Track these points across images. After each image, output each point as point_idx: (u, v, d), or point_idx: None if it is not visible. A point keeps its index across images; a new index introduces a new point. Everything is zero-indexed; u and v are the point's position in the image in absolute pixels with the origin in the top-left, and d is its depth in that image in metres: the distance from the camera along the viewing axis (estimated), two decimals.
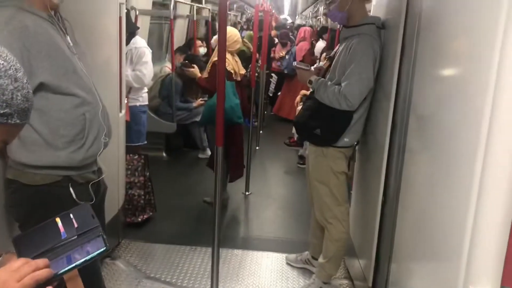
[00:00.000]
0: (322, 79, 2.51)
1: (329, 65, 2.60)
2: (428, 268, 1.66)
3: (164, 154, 5.49)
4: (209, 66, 3.87)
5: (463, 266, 1.30)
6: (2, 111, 0.86)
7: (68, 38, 1.77)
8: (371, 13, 2.77)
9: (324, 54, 5.95)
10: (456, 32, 1.53)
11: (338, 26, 6.64)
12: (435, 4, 1.77)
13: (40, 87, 1.63)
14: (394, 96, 2.21)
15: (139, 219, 3.59)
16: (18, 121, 0.90)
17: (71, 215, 1.05)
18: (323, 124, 2.48)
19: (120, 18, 2.84)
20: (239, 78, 3.97)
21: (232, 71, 3.82)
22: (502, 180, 1.22)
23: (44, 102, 1.66)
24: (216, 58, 3.67)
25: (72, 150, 1.74)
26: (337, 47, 2.68)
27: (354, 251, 2.87)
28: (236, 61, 4.01)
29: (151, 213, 3.70)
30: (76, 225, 1.04)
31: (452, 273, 1.35)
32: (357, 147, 2.76)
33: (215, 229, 2.59)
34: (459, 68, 1.50)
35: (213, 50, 7.50)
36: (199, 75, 4.12)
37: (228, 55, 3.74)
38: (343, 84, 2.36)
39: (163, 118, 5.24)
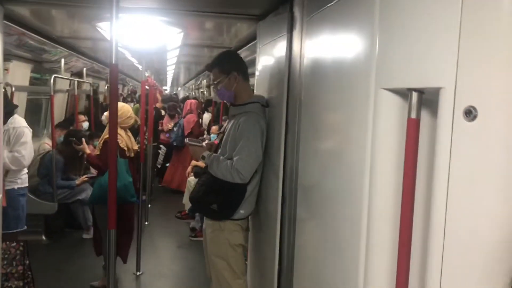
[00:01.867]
0: (215, 154, 2.60)
1: (220, 141, 2.71)
2: None
3: (44, 238, 5.05)
4: (101, 142, 3.75)
5: None
6: None
7: None
8: (255, 91, 2.99)
9: (215, 127, 6.16)
10: (331, 107, 1.70)
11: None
12: (312, 84, 1.96)
13: None
14: (282, 169, 2.36)
15: None
16: None
17: None
18: (219, 199, 2.54)
19: None
20: (132, 155, 3.87)
21: (126, 148, 3.75)
22: (386, 238, 1.31)
23: None
24: (108, 135, 3.60)
25: None
26: (225, 123, 2.81)
27: None
28: (129, 137, 3.95)
29: None
30: None
31: None
32: (249, 218, 2.84)
33: None
34: (336, 139, 1.66)
35: (96, 124, 7.35)
36: (88, 151, 3.98)
37: (121, 131, 3.67)
38: (234, 159, 2.47)
39: (43, 198, 4.87)
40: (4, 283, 3.15)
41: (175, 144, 7.43)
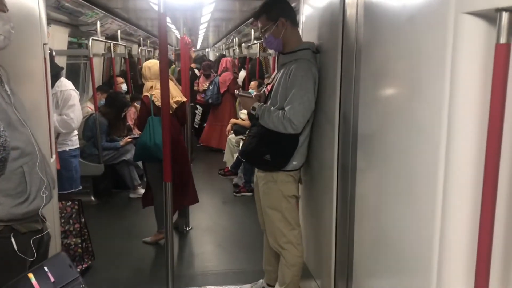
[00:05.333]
0: (265, 105, 2.54)
1: (270, 91, 2.64)
2: (393, 283, 1.66)
3: (92, 198, 5.19)
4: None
5: (434, 278, 1.31)
6: None
7: (6, 86, 1.66)
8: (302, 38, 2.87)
9: (254, 82, 6.05)
10: (399, 54, 1.57)
11: (258, 55, 6.85)
12: (374, 25, 1.82)
13: None
14: (338, 118, 2.27)
15: (78, 269, 3.34)
16: None
17: (46, 268, 0.95)
18: (272, 150, 2.49)
19: (45, 59, 2.68)
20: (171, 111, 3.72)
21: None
22: (466, 188, 1.22)
23: None
24: (144, 93, 3.59)
25: (12, 205, 1.63)
26: (274, 73, 2.73)
27: (309, 272, 2.88)
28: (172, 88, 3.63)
29: (89, 262, 3.47)
30: (52, 279, 0.94)
31: (423, 286, 1.38)
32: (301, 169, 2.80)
33: (168, 269, 2.49)
34: (406, 83, 1.54)
35: (132, 86, 7.39)
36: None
37: (158, 89, 3.58)
38: (286, 108, 2.39)
39: (89, 160, 5.00)
40: (63, 240, 3.27)
41: (210, 101, 7.40)
